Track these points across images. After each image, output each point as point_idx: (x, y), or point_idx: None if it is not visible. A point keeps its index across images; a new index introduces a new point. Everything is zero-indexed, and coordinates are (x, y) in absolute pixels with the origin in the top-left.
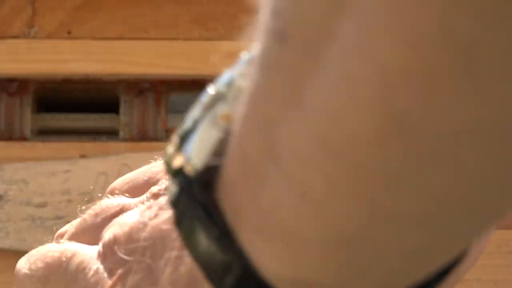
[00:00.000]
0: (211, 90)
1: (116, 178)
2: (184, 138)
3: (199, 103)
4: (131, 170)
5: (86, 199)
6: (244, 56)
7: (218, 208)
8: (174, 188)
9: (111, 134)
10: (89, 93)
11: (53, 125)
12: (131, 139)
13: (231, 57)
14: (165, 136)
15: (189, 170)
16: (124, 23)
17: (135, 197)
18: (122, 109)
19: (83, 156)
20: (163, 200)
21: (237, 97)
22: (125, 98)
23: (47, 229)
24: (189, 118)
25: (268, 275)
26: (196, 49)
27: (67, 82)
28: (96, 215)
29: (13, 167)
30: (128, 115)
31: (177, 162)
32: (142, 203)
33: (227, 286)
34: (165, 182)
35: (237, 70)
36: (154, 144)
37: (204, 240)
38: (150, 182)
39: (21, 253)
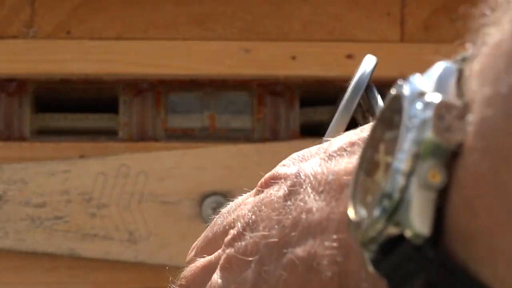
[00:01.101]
0: (406, 157)
1: (115, 178)
2: (394, 210)
3: (394, 172)
4: (130, 170)
5: (85, 199)
6: (413, 107)
7: (454, 262)
8: (387, 257)
9: (110, 134)
10: (88, 93)
11: (52, 125)
12: (130, 139)
13: (230, 57)
14: (164, 136)
15: (413, 236)
16: (123, 23)
17: (212, 252)
18: (121, 109)
19: (82, 156)
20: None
21: (444, 157)
22: (124, 98)
23: (46, 229)
24: (389, 189)
25: None
26: (196, 49)
27: (66, 82)
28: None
29: (12, 167)
30: (127, 115)
31: (391, 231)
32: (219, 256)
33: None
34: (236, 229)
35: (417, 125)
36: (153, 144)
37: None
38: (217, 235)
39: (20, 254)
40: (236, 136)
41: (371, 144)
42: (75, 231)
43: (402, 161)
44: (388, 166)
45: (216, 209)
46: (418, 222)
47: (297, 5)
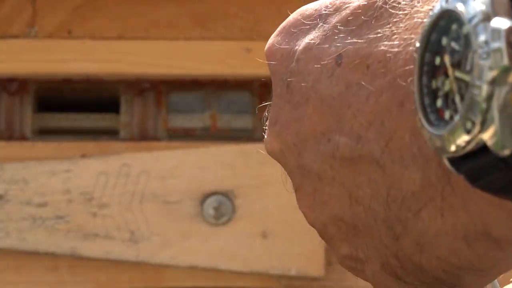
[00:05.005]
0: (484, 84)
1: (117, 178)
2: (479, 131)
3: (473, 97)
4: (131, 170)
5: (86, 198)
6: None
7: None
8: (468, 161)
9: (112, 133)
10: (89, 92)
11: (53, 125)
12: (131, 138)
13: (231, 57)
14: (166, 135)
15: (497, 148)
16: (124, 23)
17: None
18: (122, 109)
19: (83, 156)
20: None
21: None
22: (125, 97)
23: (48, 229)
24: (471, 113)
25: None
26: (197, 49)
27: (68, 81)
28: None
29: (13, 166)
30: (128, 115)
31: (473, 146)
32: None
33: None
34: None
35: (490, 52)
36: (155, 143)
37: None
38: None
39: (21, 253)
40: (237, 135)
41: (428, 48)
42: (76, 230)
43: (481, 87)
44: (459, 82)
45: (217, 209)
46: (501, 139)
47: (298, 4)
